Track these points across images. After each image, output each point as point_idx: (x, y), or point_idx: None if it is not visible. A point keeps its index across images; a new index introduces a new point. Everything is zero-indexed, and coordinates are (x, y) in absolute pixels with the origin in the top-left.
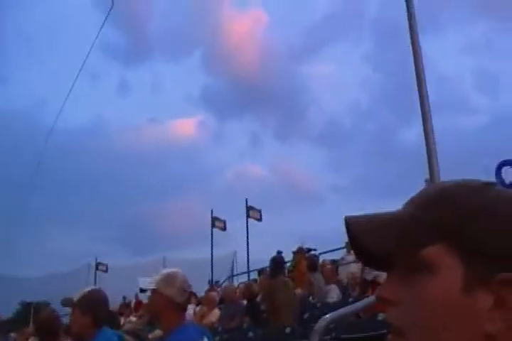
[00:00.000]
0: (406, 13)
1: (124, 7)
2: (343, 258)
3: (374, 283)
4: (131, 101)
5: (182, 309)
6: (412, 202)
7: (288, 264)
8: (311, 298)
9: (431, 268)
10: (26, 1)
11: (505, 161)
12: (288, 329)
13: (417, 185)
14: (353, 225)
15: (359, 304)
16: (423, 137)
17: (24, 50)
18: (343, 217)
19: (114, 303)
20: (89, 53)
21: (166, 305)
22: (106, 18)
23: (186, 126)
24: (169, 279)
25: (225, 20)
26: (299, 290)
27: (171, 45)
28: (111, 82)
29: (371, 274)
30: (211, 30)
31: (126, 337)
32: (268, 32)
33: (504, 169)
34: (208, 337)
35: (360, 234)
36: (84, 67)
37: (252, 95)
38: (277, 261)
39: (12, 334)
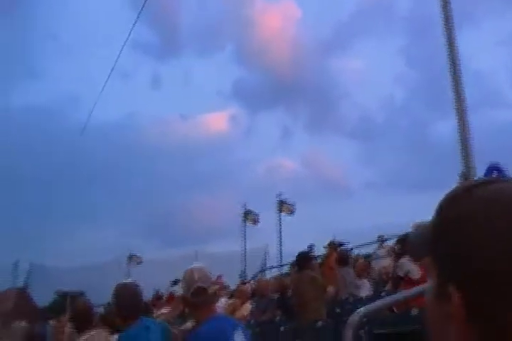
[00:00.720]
0: (441, 7)
1: (156, 4)
2: (375, 253)
3: (406, 279)
4: (163, 96)
5: (207, 302)
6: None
7: (319, 259)
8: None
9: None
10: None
11: (492, 166)
12: (320, 323)
13: (451, 179)
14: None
15: (393, 298)
16: (458, 132)
17: (59, 48)
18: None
19: (147, 295)
20: (122, 50)
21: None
22: (138, 16)
23: (218, 120)
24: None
25: (256, 14)
26: (331, 287)
27: (203, 40)
28: (144, 78)
29: (403, 270)
30: (243, 24)
31: (173, 329)
32: (300, 25)
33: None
34: (242, 330)
35: (412, 246)
36: (118, 64)
37: (284, 89)
38: (303, 256)
39: (50, 322)
